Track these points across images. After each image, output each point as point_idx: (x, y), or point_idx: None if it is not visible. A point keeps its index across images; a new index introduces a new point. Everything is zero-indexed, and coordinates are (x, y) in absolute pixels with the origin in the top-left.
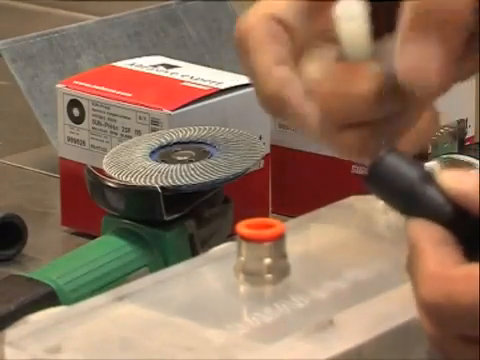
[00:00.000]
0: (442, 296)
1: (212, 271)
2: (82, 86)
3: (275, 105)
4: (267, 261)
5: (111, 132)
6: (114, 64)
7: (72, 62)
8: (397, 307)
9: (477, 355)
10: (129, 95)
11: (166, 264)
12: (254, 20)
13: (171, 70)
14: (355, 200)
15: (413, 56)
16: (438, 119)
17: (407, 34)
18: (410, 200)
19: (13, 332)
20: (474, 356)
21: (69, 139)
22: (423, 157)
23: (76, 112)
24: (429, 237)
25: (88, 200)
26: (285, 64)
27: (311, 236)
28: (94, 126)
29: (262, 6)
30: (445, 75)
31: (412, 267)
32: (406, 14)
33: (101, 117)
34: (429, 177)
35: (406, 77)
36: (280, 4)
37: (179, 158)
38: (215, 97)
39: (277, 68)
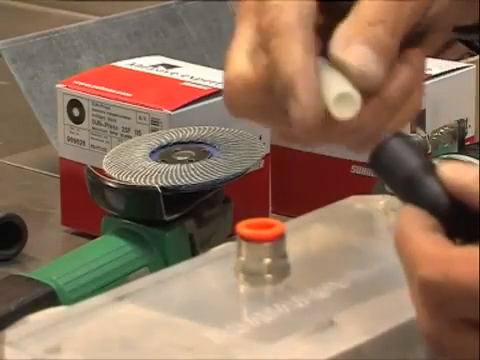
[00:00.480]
0: (441, 275)
1: (212, 271)
2: (82, 86)
3: (282, 87)
4: (267, 261)
5: (111, 132)
6: (114, 64)
7: (72, 62)
8: (397, 307)
9: (477, 341)
10: (129, 95)
11: (166, 264)
12: (284, 4)
13: (171, 70)
14: (355, 200)
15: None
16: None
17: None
18: (408, 187)
19: (13, 332)
20: (473, 343)
21: (69, 139)
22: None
23: (76, 112)
24: (422, 224)
25: (88, 200)
26: (309, 51)
27: (311, 236)
28: (94, 126)
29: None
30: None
31: (404, 255)
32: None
33: (101, 117)
34: (430, 167)
35: (356, 71)
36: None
37: (179, 158)
38: (215, 97)
39: (298, 53)
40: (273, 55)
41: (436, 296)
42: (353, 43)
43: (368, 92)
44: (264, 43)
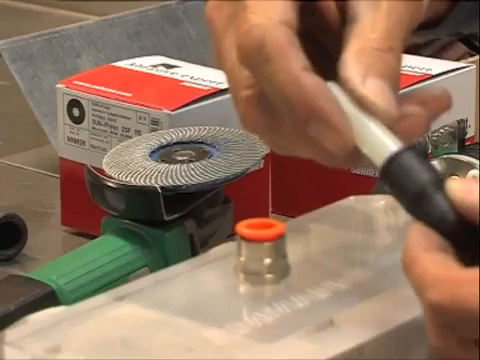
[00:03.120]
0: (448, 299)
1: (212, 271)
2: (82, 86)
3: (305, 113)
4: (267, 261)
5: (111, 132)
6: (114, 64)
7: (72, 62)
8: (397, 307)
9: None
10: (129, 95)
11: (166, 264)
12: (268, 27)
13: (171, 70)
14: (355, 200)
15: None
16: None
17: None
18: (417, 203)
19: (13, 332)
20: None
21: (69, 139)
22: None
23: (76, 112)
24: (429, 245)
25: (88, 200)
26: (311, 71)
27: (311, 236)
28: (94, 126)
29: (267, 11)
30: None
31: (412, 277)
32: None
33: (101, 117)
34: (440, 183)
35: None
36: (285, 8)
37: (179, 158)
38: (215, 97)
39: (306, 76)
40: (274, 84)
41: (443, 318)
42: (370, 76)
43: (389, 125)
44: (250, 64)
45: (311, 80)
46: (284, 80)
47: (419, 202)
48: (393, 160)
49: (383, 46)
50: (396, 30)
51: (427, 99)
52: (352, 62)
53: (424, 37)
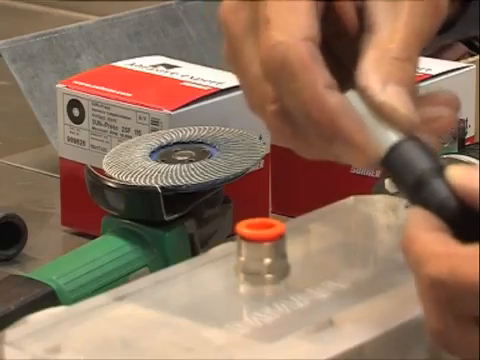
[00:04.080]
0: (447, 273)
1: (212, 271)
2: (82, 86)
3: (329, 132)
4: (267, 261)
5: (111, 132)
6: (114, 64)
7: (72, 62)
8: (397, 307)
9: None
10: (129, 95)
11: (166, 264)
12: (292, 43)
13: (171, 70)
14: (355, 200)
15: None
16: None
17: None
18: (417, 190)
19: (13, 332)
20: (478, 340)
21: (69, 139)
22: None
23: (76, 112)
24: (428, 225)
25: (88, 200)
26: (334, 88)
27: (311, 236)
28: (94, 126)
29: (290, 27)
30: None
31: (411, 254)
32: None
33: (101, 117)
34: (440, 170)
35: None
36: (308, 22)
37: (179, 158)
38: (215, 97)
39: (329, 94)
40: (298, 101)
41: (442, 293)
42: (389, 83)
43: (409, 132)
44: (274, 80)
45: (334, 99)
46: (308, 98)
47: (419, 189)
48: (394, 150)
49: (401, 56)
50: (414, 40)
51: (450, 100)
52: (371, 70)
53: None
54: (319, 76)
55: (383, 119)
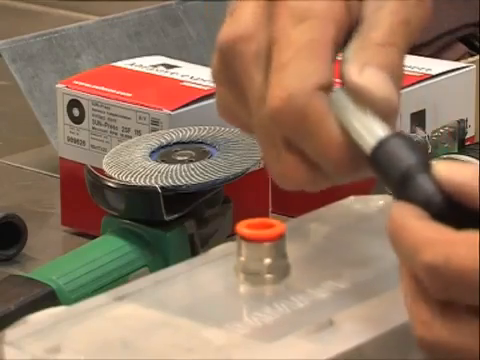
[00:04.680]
0: (443, 259)
1: (212, 271)
2: (82, 86)
3: (348, 176)
4: (267, 261)
5: (111, 132)
6: (114, 64)
7: (72, 62)
8: (397, 307)
9: (476, 330)
10: (129, 95)
11: (166, 264)
12: (307, 94)
13: (171, 70)
14: (355, 200)
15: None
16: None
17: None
18: (402, 185)
19: (13, 332)
20: (472, 332)
21: (69, 139)
22: None
23: (76, 112)
24: (416, 213)
25: (88, 200)
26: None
27: (311, 236)
28: (94, 126)
29: (308, 75)
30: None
31: (401, 243)
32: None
33: (101, 117)
34: (426, 165)
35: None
36: (324, 68)
37: (179, 158)
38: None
39: (345, 147)
40: (315, 149)
41: (438, 281)
42: (367, 67)
43: (388, 116)
44: (286, 129)
45: (350, 152)
46: (324, 145)
47: (405, 184)
48: (380, 146)
49: (384, 41)
50: (399, 27)
51: None
52: (351, 57)
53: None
54: (333, 126)
55: (363, 105)
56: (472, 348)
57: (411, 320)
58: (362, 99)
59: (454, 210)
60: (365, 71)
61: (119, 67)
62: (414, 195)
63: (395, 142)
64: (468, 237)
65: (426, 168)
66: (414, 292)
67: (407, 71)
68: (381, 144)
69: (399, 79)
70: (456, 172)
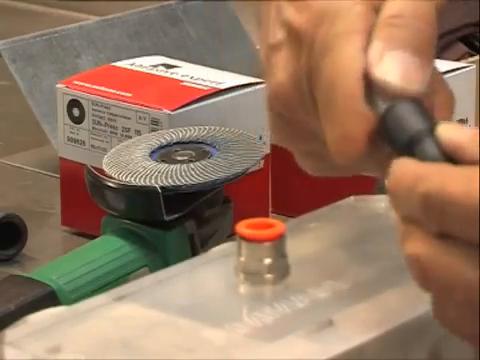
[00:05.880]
0: (436, 187)
1: (212, 271)
2: (82, 86)
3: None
4: (267, 261)
5: (111, 132)
6: (114, 64)
7: (72, 62)
8: (397, 307)
9: (476, 268)
10: (129, 95)
11: (166, 264)
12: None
13: (171, 70)
14: (355, 200)
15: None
16: (452, 100)
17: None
18: (409, 149)
19: (13, 332)
20: (465, 265)
21: (69, 139)
22: None
23: (76, 112)
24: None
25: (88, 200)
26: None
27: (311, 236)
28: (94, 126)
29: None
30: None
31: (401, 183)
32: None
33: (101, 117)
34: (433, 130)
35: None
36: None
37: (179, 158)
38: (215, 97)
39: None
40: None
41: (433, 210)
42: (388, 49)
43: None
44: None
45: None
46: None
47: (412, 148)
48: (389, 111)
49: (402, 14)
50: (418, 2)
51: (446, 103)
52: (373, 43)
53: None
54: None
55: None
56: (463, 272)
57: (404, 252)
58: (380, 91)
59: None
60: (385, 58)
61: (119, 67)
62: (420, 159)
63: (404, 107)
64: (465, 169)
65: (432, 133)
66: (408, 223)
67: None
68: (390, 109)
69: (428, 49)
70: (456, 132)
